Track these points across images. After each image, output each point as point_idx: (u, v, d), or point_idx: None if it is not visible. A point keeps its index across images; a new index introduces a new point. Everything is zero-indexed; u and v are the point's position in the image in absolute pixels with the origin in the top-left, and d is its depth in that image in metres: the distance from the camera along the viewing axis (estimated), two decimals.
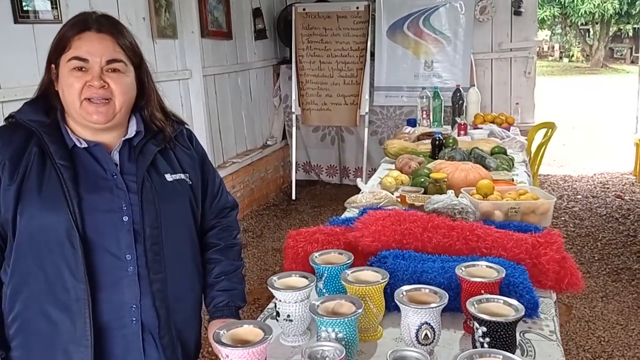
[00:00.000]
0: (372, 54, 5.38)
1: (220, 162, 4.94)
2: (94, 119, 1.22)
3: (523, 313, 1.09)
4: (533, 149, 4.55)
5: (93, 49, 1.21)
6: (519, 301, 1.15)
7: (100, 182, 1.24)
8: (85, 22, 1.23)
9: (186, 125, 1.45)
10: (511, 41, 5.44)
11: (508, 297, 1.21)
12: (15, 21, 2.67)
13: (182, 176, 1.36)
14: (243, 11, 5.37)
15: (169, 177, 1.32)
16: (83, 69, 1.21)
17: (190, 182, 1.37)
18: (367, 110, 5.34)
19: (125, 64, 1.26)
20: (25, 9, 2.67)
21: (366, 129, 5.41)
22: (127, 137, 1.30)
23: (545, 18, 18.62)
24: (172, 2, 4.12)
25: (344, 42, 5.36)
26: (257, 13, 5.58)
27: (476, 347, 1.09)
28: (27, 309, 1.23)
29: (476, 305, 1.12)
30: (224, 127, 5.05)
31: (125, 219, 1.24)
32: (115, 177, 1.26)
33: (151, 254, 1.26)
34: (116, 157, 1.29)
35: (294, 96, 5.52)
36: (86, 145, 1.26)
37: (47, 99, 1.27)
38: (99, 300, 1.22)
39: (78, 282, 1.19)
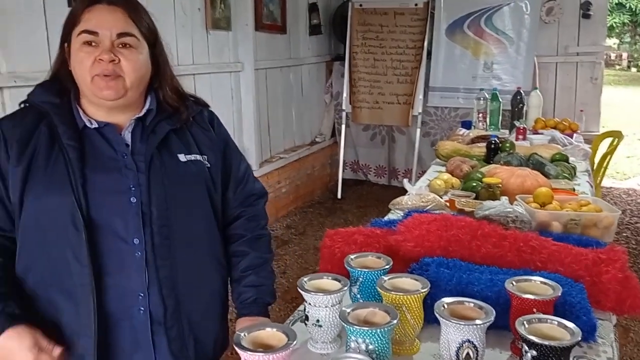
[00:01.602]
0: (429, 53, 5.22)
1: (267, 157, 4.91)
2: (104, 94, 1.17)
3: (580, 337, 0.97)
4: (597, 158, 4.30)
5: (103, 21, 1.16)
6: (574, 323, 1.02)
7: (109, 163, 1.19)
8: None
9: (209, 108, 1.39)
10: (578, 45, 5.17)
11: (562, 317, 1.08)
12: (69, 4, 2.70)
13: (199, 157, 1.28)
14: (299, 6, 5.32)
15: (182, 157, 1.26)
16: (93, 44, 1.15)
17: (209, 165, 1.30)
18: (420, 110, 5.19)
19: (138, 38, 1.19)
20: None
21: (418, 130, 5.26)
22: (138, 115, 1.24)
23: (614, 25, 17.79)
24: None
25: (400, 40, 5.23)
26: (313, 8, 5.52)
27: None
28: (33, 295, 1.18)
29: (527, 326, 1.00)
30: (273, 122, 5.01)
31: (133, 200, 1.18)
32: (125, 157, 1.20)
33: (159, 238, 1.19)
34: (128, 137, 1.23)
35: (345, 93, 5.43)
36: (97, 126, 1.21)
37: (60, 81, 1.23)
38: (105, 286, 1.17)
39: (82, 266, 1.14)
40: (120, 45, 1.17)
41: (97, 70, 1.15)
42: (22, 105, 1.23)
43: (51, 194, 1.14)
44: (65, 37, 1.20)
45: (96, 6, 1.17)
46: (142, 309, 1.19)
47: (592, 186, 2.54)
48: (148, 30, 1.22)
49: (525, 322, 1.00)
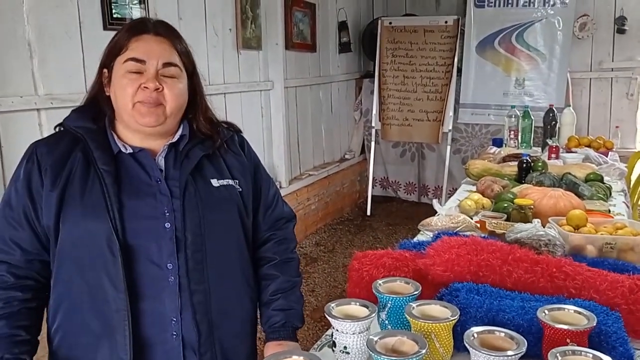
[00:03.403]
0: (459, 70, 5.20)
1: (296, 174, 4.94)
2: (145, 120, 1.19)
3: None
4: (633, 177, 4.18)
5: (150, 51, 1.19)
6: (610, 354, 0.99)
7: (143, 188, 1.21)
8: (144, 25, 1.22)
9: (240, 133, 1.41)
10: (613, 60, 5.08)
11: (598, 347, 1.05)
12: (105, 28, 2.78)
13: (231, 182, 1.30)
14: (329, 24, 5.37)
15: (215, 182, 1.27)
16: (138, 72, 1.18)
17: (240, 189, 1.31)
18: (450, 127, 5.15)
19: (180, 69, 1.23)
20: (115, 16, 2.78)
21: (448, 147, 5.22)
22: (171, 141, 1.26)
23: None
24: (258, 14, 4.17)
25: (430, 57, 5.22)
26: (342, 26, 5.56)
27: None
28: (69, 320, 1.20)
29: (560, 358, 0.97)
30: (303, 139, 5.04)
31: (168, 225, 1.19)
32: (159, 182, 1.22)
33: (192, 263, 1.20)
34: (161, 162, 1.25)
35: (374, 110, 5.43)
36: (131, 151, 1.23)
37: (95, 106, 1.26)
38: (140, 312, 1.18)
39: (118, 292, 1.15)
40: (164, 75, 1.20)
41: (140, 97, 1.18)
42: (58, 129, 1.26)
43: (88, 220, 1.16)
44: (107, 63, 1.23)
45: (143, 36, 1.20)
46: (175, 333, 1.20)
47: (629, 207, 2.47)
48: (188, 61, 1.26)
49: (558, 354, 0.97)
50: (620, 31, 4.97)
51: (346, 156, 5.86)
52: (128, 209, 1.18)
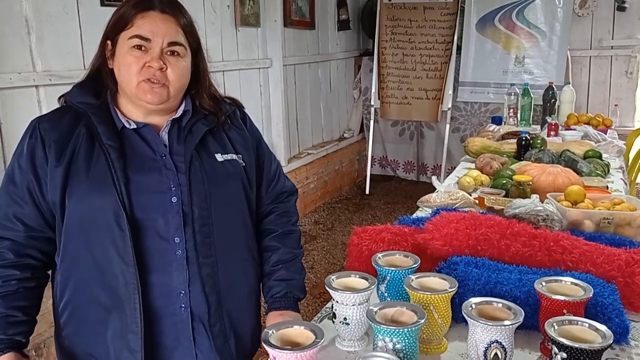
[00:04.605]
0: (459, 48, 5.16)
1: (295, 153, 4.94)
2: (148, 98, 1.19)
3: (611, 341, 0.95)
4: (631, 155, 4.19)
5: (156, 29, 1.18)
6: (606, 325, 1.01)
7: (148, 163, 1.21)
8: (150, 1, 1.20)
9: (242, 108, 1.41)
10: (613, 38, 5.05)
11: (594, 318, 1.07)
12: (102, 4, 2.76)
13: (234, 156, 1.31)
14: (327, 1, 5.32)
15: (219, 157, 1.28)
16: (143, 48, 1.18)
17: (244, 164, 1.32)
18: (449, 105, 5.14)
19: (185, 47, 1.23)
20: None
21: (448, 125, 5.21)
22: (174, 117, 1.26)
23: None
24: None
25: (430, 35, 5.18)
26: (341, 3, 5.51)
27: None
28: (78, 295, 1.21)
29: (556, 327, 0.98)
30: (301, 118, 5.03)
31: (174, 200, 1.20)
32: (164, 157, 1.22)
33: (200, 237, 1.22)
34: (165, 137, 1.25)
35: (373, 89, 5.41)
36: (135, 126, 1.23)
37: (97, 80, 1.25)
38: (149, 284, 1.19)
39: (127, 266, 1.16)
40: (169, 53, 1.20)
41: (144, 75, 1.18)
42: (61, 100, 1.26)
43: (94, 195, 1.16)
44: (111, 36, 1.21)
45: (150, 12, 1.18)
46: (183, 306, 1.21)
47: (626, 184, 2.48)
48: (193, 38, 1.26)
49: (555, 323, 0.99)
50: (621, 9, 4.93)
51: (345, 135, 5.86)
52: (134, 183, 1.18)
